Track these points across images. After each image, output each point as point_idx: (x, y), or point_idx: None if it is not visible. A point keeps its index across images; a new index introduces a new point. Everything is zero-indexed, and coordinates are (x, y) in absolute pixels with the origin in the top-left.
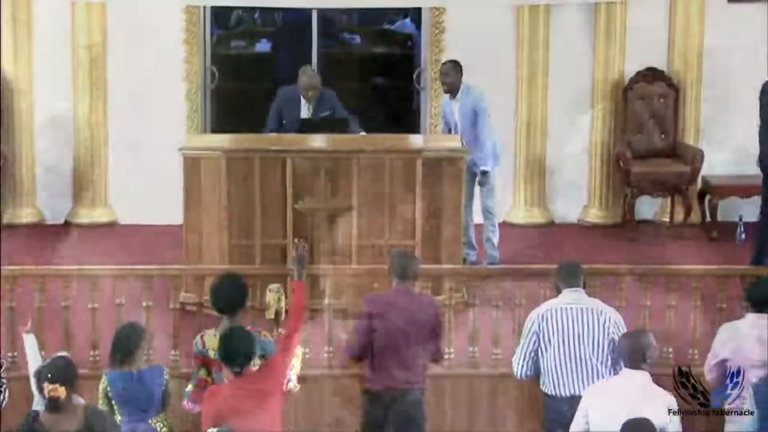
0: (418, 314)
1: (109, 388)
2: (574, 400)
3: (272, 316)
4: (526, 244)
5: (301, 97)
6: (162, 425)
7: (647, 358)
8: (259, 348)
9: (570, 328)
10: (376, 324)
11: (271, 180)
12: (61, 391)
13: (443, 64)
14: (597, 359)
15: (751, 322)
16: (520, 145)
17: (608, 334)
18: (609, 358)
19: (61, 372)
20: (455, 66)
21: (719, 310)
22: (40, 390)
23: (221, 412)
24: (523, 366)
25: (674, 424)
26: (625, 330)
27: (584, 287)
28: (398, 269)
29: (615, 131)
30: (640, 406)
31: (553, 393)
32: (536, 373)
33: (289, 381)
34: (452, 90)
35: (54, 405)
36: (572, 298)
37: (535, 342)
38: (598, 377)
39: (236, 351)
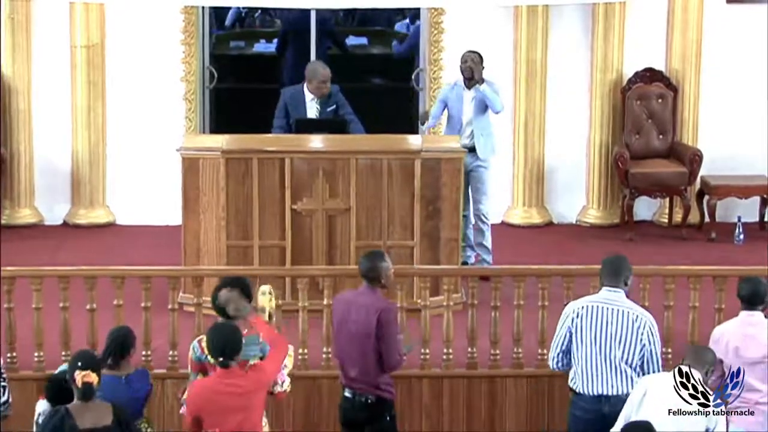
0: (364, 317)
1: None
2: (601, 400)
3: (267, 319)
4: (524, 245)
5: (306, 96)
6: (147, 426)
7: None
8: (258, 350)
9: (604, 329)
10: (335, 321)
11: (269, 180)
12: (93, 377)
13: (471, 52)
14: (627, 363)
15: (741, 320)
16: (518, 146)
17: (641, 339)
18: (639, 362)
19: (90, 359)
20: (480, 58)
21: (718, 311)
22: (73, 382)
23: (205, 403)
24: (556, 359)
25: (720, 424)
26: (657, 336)
27: (627, 284)
28: (362, 270)
29: (613, 132)
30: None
31: (582, 391)
32: (569, 366)
33: (283, 382)
34: (472, 80)
35: (88, 392)
36: (610, 298)
37: (568, 337)
38: (627, 380)
39: (223, 344)
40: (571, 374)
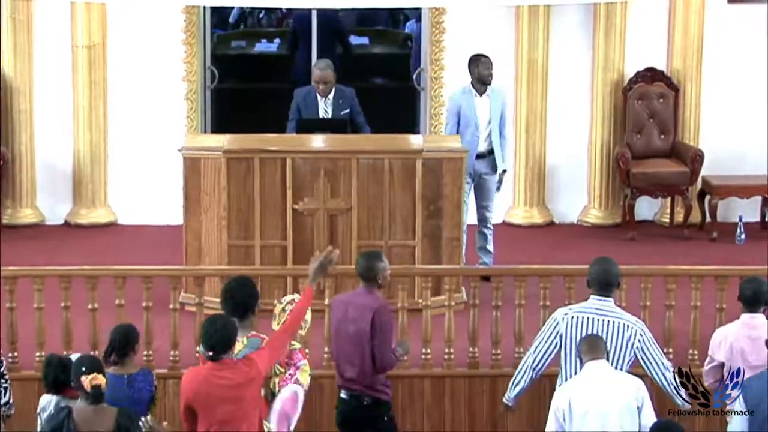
0: (360, 317)
1: None
2: None
3: (276, 328)
4: (525, 245)
5: (318, 96)
6: (145, 426)
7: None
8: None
9: None
10: (333, 322)
11: (270, 180)
12: (101, 379)
13: (484, 56)
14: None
15: (743, 322)
16: (519, 145)
17: (632, 349)
18: (628, 369)
19: (95, 362)
20: (491, 62)
21: (719, 311)
22: (79, 386)
23: (195, 394)
24: (538, 367)
25: (647, 400)
26: (651, 339)
27: (618, 286)
28: (359, 269)
29: (615, 131)
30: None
31: None
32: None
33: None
34: (488, 85)
35: (97, 395)
36: (601, 307)
37: (557, 344)
38: None
39: (213, 337)
40: (559, 379)
